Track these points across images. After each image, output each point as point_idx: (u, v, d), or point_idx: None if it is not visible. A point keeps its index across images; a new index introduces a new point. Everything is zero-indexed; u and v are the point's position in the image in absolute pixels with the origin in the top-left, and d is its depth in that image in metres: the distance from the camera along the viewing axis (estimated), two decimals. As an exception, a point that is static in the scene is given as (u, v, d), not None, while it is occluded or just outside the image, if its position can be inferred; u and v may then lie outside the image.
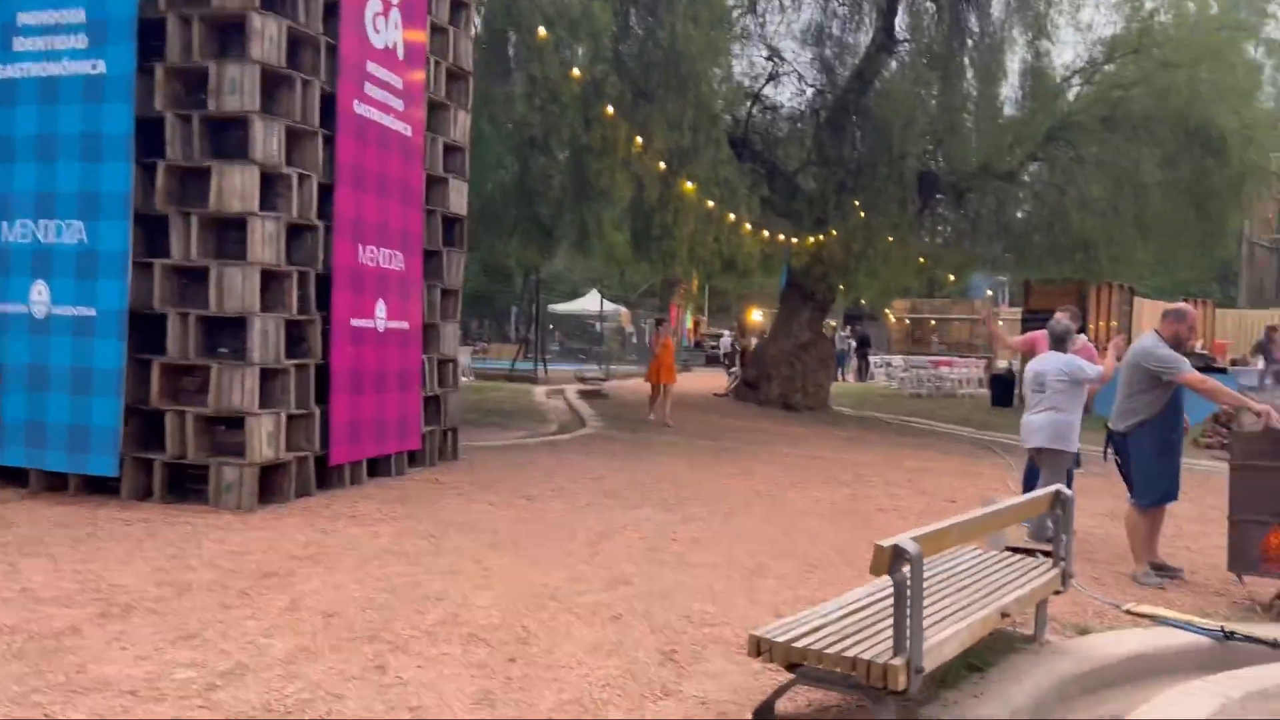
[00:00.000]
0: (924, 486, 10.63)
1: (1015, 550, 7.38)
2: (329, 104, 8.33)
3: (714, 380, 23.81)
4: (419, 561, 6.20)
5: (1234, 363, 18.39)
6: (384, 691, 4.07)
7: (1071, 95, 17.76)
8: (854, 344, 30.06)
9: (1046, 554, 7.29)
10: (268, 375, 7.74)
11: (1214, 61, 16.11)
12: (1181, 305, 7.01)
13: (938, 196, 18.75)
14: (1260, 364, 17.61)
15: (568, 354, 34.45)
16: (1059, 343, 7.57)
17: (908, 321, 31.06)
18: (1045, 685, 4.58)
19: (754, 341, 27.28)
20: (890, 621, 3.90)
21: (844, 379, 27.79)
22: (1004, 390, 21.26)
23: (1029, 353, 8.12)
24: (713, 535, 7.53)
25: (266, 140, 7.68)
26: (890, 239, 17.72)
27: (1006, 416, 19.16)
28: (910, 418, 19.16)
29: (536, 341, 26.22)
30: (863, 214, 17.38)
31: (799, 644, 3.70)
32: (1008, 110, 18.02)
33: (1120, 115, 16.51)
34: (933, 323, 30.82)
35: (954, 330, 30.12)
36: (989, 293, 30.09)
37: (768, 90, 19.32)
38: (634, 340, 36.68)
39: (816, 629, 3.86)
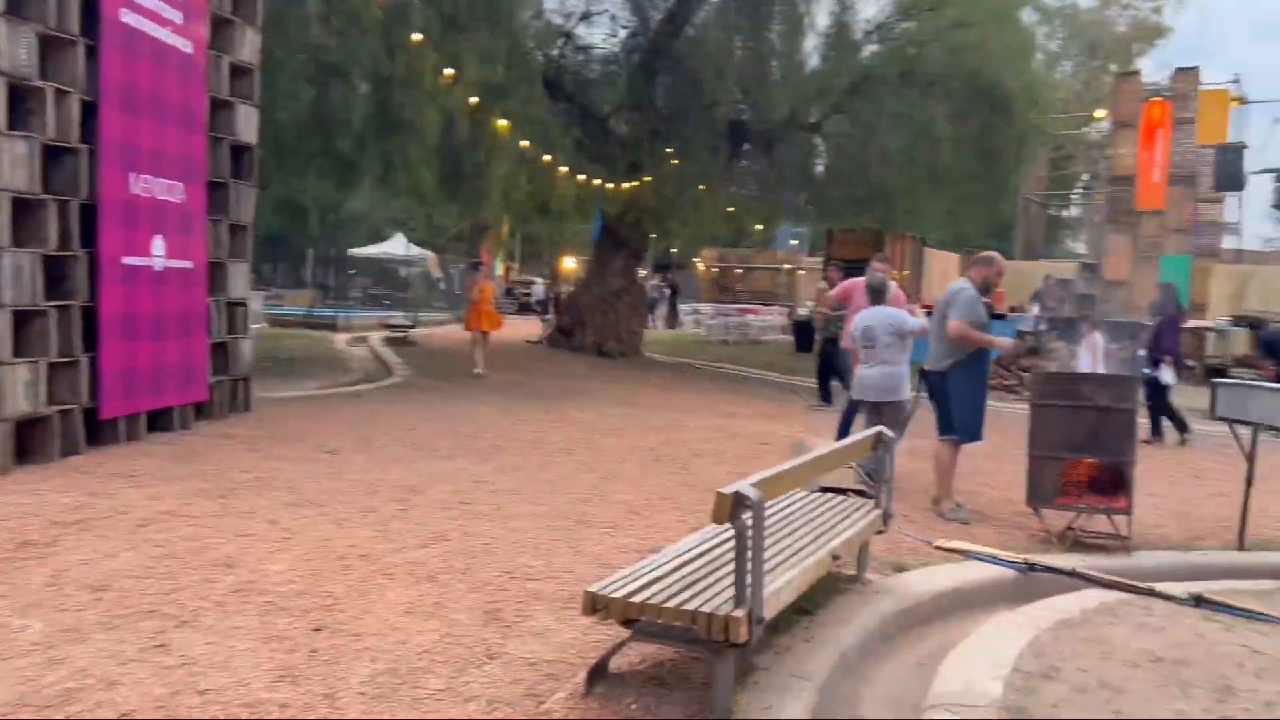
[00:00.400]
0: (737, 430, 10.74)
1: (827, 490, 7.58)
2: (91, 10, 7.30)
3: (527, 328, 23.39)
4: (207, 524, 5.59)
5: (1012, 310, 19.70)
6: (167, 674, 3.56)
7: (872, 50, 18.27)
8: (667, 291, 30.35)
9: (859, 493, 7.52)
10: (23, 318, 6.78)
11: (1001, 23, 16.96)
12: (991, 253, 7.26)
13: (746, 146, 18.97)
14: (1036, 310, 18.97)
15: (371, 300, 33.07)
16: (877, 295, 7.67)
17: (715, 270, 31.62)
18: (871, 625, 4.61)
19: (562, 289, 27.07)
20: (727, 570, 3.75)
21: (654, 326, 28.01)
22: (805, 337, 21.98)
23: (844, 300, 8.25)
24: (531, 485, 7.25)
25: (13, 46, 6.63)
26: (702, 187, 17.80)
27: (809, 361, 19.84)
28: (720, 364, 19.49)
29: (336, 286, 24.92)
30: (675, 161, 17.34)
31: (636, 599, 3.48)
32: (813, 62, 18.38)
33: (917, 71, 17.13)
34: (739, 271, 31.50)
35: (759, 279, 30.92)
36: (793, 241, 31.06)
37: (580, 29, 18.88)
38: (442, 286, 35.64)
39: (652, 582, 3.66)
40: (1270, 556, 6.13)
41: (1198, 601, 4.87)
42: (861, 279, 8.41)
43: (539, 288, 35.62)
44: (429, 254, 35.89)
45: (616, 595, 3.50)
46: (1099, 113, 24.81)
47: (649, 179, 17.60)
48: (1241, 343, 16.18)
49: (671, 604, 3.45)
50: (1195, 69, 23.19)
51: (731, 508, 3.35)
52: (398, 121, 11.98)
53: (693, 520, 6.35)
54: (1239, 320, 16.74)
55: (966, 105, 17.25)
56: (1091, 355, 7.12)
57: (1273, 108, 27.44)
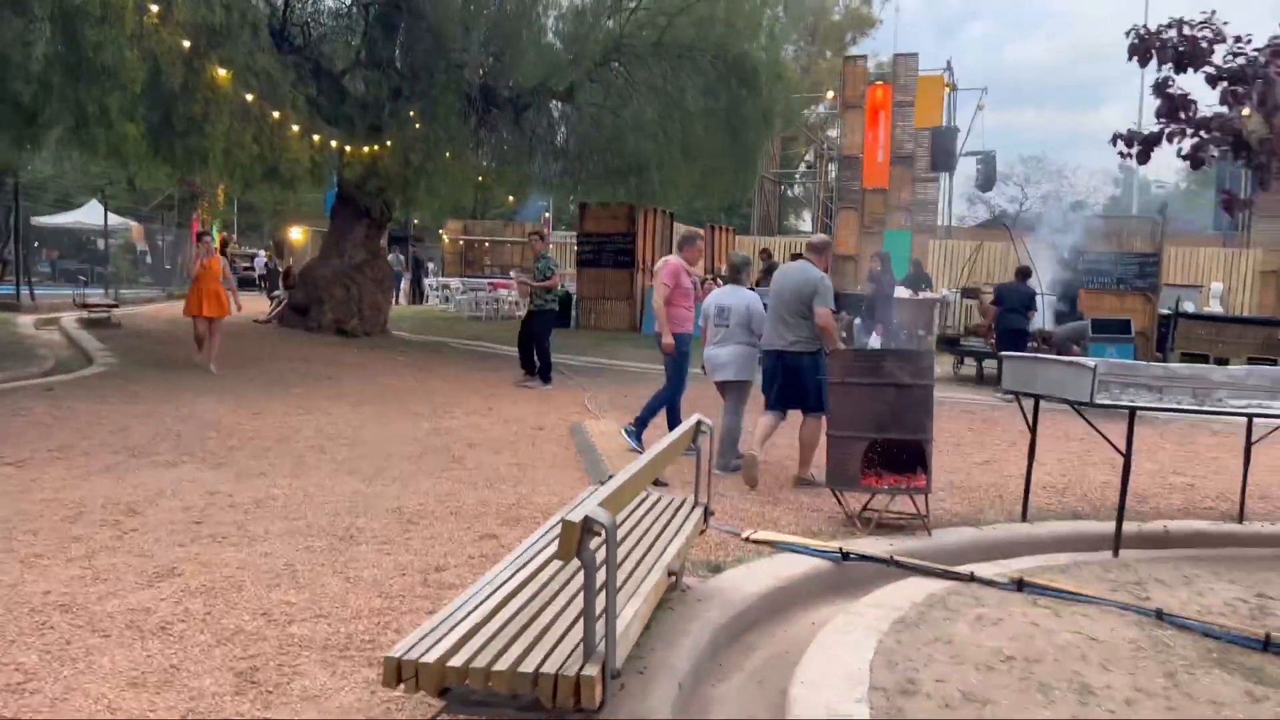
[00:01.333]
0: (506, 414, 9.99)
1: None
2: None
3: (252, 305, 21.24)
4: None
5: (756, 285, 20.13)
6: None
7: (624, 18, 17.88)
8: (410, 265, 28.77)
9: (656, 483, 7.04)
10: None
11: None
12: (826, 237, 7.15)
13: (496, 111, 18.04)
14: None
15: (63, 276, 29.10)
16: (736, 273, 7.59)
17: (461, 243, 30.41)
18: (702, 643, 4.07)
19: (293, 262, 24.94)
20: (560, 607, 3.06)
21: (397, 302, 26.48)
22: (562, 311, 21.48)
23: (676, 285, 7.74)
24: (281, 495, 6.17)
25: None
26: (449, 154, 16.71)
27: (566, 337, 19.35)
28: (474, 341, 18.54)
29: (18, 260, 21.57)
30: (419, 125, 16.13)
31: (456, 661, 2.72)
32: (565, 27, 17.72)
33: (668, 42, 16.92)
34: (486, 244, 30.48)
35: (506, 252, 30.05)
36: (546, 215, 30.41)
37: (308, -25, 17.11)
38: (149, 260, 31.99)
39: (471, 634, 2.90)
40: (1055, 526, 6.23)
41: (1019, 586, 4.73)
42: (677, 260, 7.99)
43: (261, 260, 32.82)
44: (132, 223, 32.06)
45: (429, 659, 2.71)
46: (830, 94, 25.98)
47: (391, 143, 16.28)
48: (971, 313, 17.40)
49: (503, 665, 2.71)
50: (914, 55, 24.69)
51: (580, 538, 2.66)
52: (92, 65, 10.10)
53: (478, 527, 5.58)
54: (968, 292, 17.97)
55: (715, 78, 17.27)
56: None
57: (975, 95, 29.82)
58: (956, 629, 4.19)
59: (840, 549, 5.26)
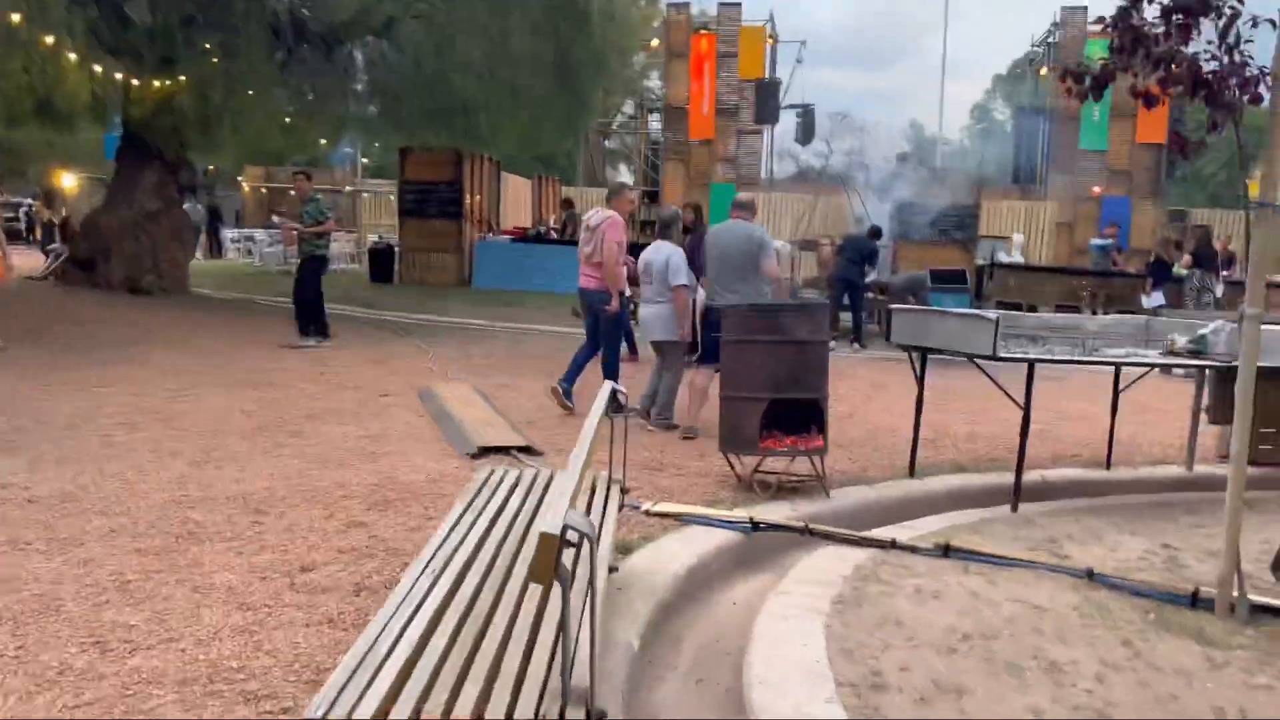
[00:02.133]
0: (342, 379, 9.08)
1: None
2: None
3: (23, 260, 18.82)
4: None
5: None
6: None
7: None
8: (206, 215, 26.36)
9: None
10: None
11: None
12: (751, 195, 6.79)
13: (306, 47, 16.53)
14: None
15: None
16: (666, 228, 7.46)
17: (264, 190, 28.16)
18: (634, 642, 3.59)
19: (69, 213, 22.38)
20: (504, 625, 2.50)
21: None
22: (384, 265, 20.27)
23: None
24: (91, 484, 5.20)
25: None
26: (252, 92, 15.17)
27: (391, 294, 18.23)
28: (284, 299, 17.11)
29: None
30: (218, 59, 14.52)
31: (400, 715, 2.11)
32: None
33: (494, -22, 15.96)
34: (291, 193, 28.34)
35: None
36: (364, 160, 28.57)
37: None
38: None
39: (404, 675, 2.28)
40: (945, 481, 6.12)
41: (945, 551, 4.50)
42: (607, 213, 7.50)
43: (26, 211, 29.37)
44: None
45: (365, 718, 2.09)
46: (654, 41, 25.57)
47: (186, 79, 14.59)
48: (809, 265, 17.55)
49: (464, 715, 2.12)
50: (738, 4, 24.60)
51: (558, 556, 2.10)
52: None
53: (341, 514, 4.87)
54: (805, 244, 18.11)
55: (544, 18, 16.46)
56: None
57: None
58: (900, 606, 3.89)
59: (751, 519, 4.90)
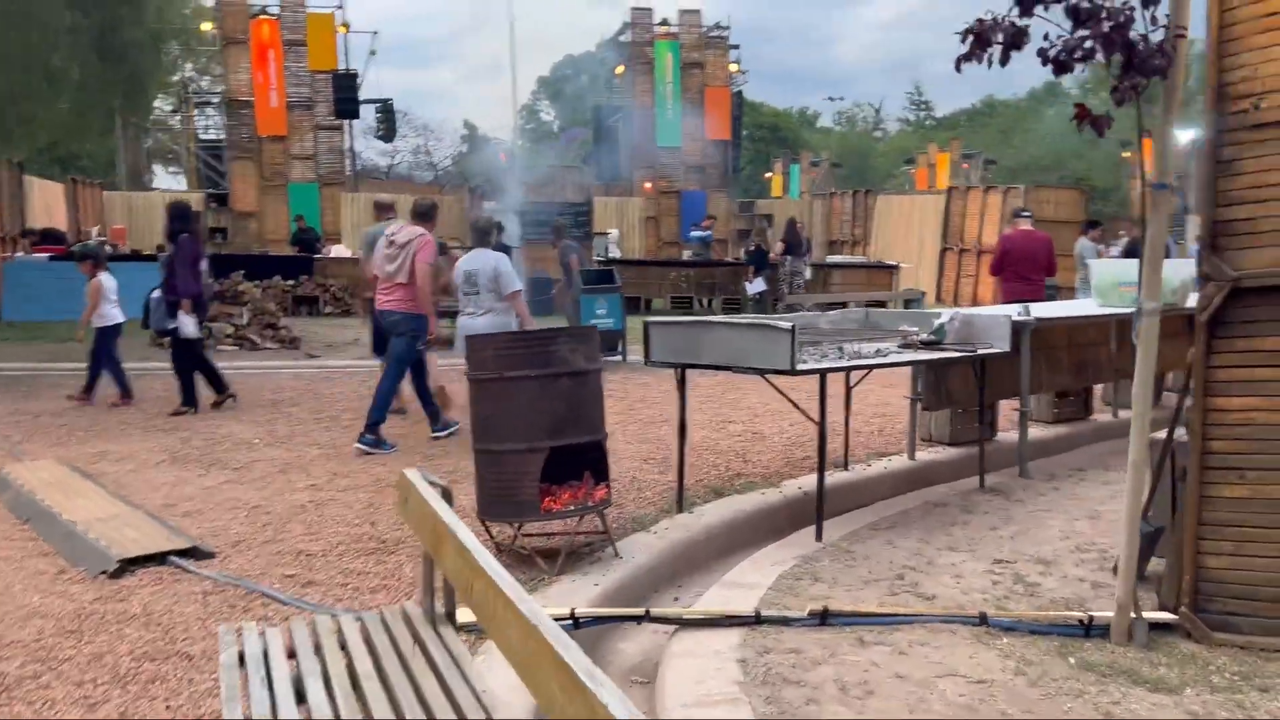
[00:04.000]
0: None
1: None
2: None
3: None
4: None
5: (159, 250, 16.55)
6: None
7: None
8: None
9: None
10: None
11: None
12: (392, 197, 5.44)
13: None
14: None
15: None
16: (484, 236, 7.17)
17: None
18: None
19: None
20: None
21: None
22: None
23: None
24: None
25: None
26: None
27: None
28: None
29: None
30: None
31: None
32: None
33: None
34: None
35: None
36: None
37: None
38: None
39: None
40: (718, 512, 5.39)
41: (823, 619, 3.72)
42: (416, 231, 7.01)
43: None
44: None
45: None
46: (205, 25, 22.29)
47: None
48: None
49: None
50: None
51: None
52: None
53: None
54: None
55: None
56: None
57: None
58: (834, 712, 3.03)
59: (572, 613, 3.76)
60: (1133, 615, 3.60)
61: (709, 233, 19.57)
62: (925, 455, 6.84)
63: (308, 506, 5.59)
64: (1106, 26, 2.92)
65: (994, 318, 6.04)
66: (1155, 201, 3.29)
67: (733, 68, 26.09)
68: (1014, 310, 6.48)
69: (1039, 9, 3.00)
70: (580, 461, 4.57)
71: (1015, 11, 3.07)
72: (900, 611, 3.76)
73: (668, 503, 5.55)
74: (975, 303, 19.63)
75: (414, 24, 79.69)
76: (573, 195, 16.90)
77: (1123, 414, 8.26)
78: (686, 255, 20.14)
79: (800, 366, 4.67)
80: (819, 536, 4.89)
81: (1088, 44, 2.96)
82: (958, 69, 3.25)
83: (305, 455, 6.88)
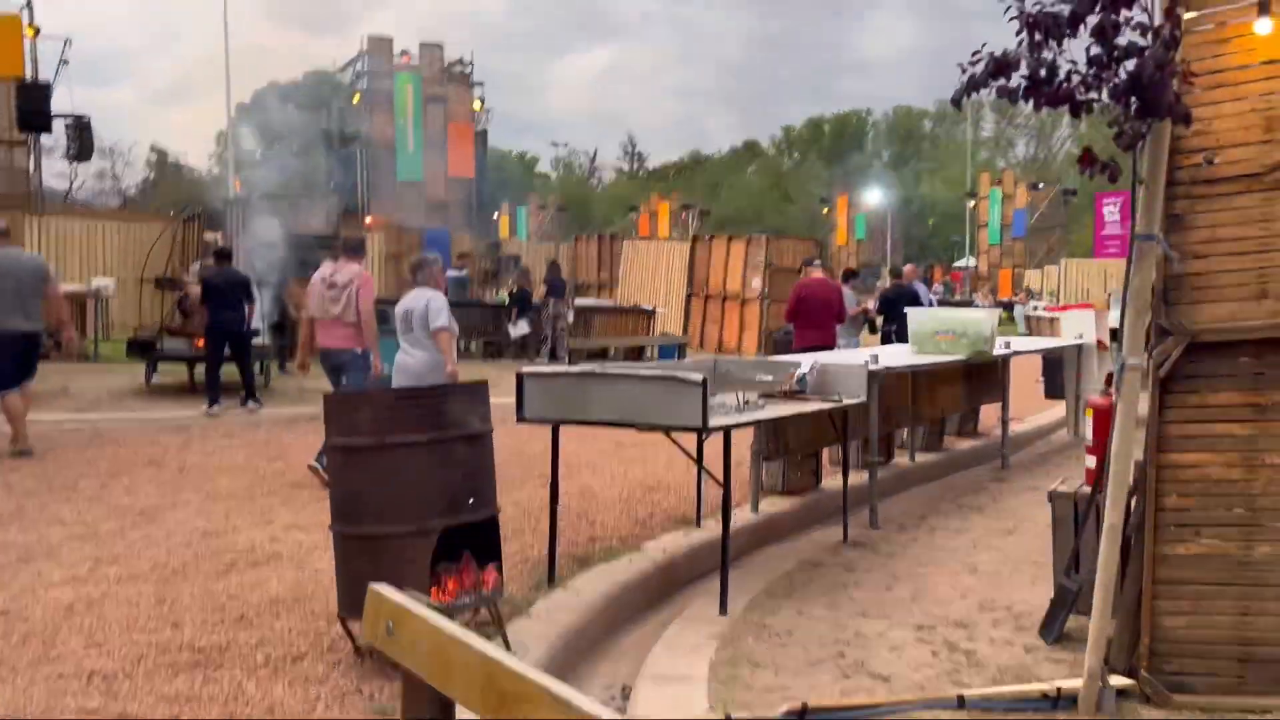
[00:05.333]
0: None
1: None
2: None
3: None
4: None
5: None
6: None
7: None
8: None
9: None
10: None
11: None
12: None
13: None
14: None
15: None
16: (417, 272, 6.79)
17: None
18: None
19: None
20: None
21: None
22: None
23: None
24: None
25: None
26: None
27: None
28: None
29: None
30: None
31: None
32: None
33: None
34: None
35: None
36: None
37: None
38: None
39: None
40: (592, 585, 4.77)
41: (802, 717, 3.25)
42: (355, 269, 7.17)
43: None
44: None
45: None
46: None
47: None
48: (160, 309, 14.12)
49: None
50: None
51: None
52: None
53: None
54: (165, 283, 14.53)
55: None
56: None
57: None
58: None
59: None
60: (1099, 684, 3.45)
61: (464, 272, 18.80)
62: (765, 507, 6.61)
63: (77, 608, 4.40)
64: (1124, 69, 2.77)
65: (848, 368, 5.96)
66: (1141, 252, 3.18)
67: (476, 105, 25.56)
68: (861, 360, 6.43)
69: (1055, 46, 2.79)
70: (464, 540, 3.84)
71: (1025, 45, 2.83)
72: (881, 702, 3.38)
73: (535, 577, 4.88)
74: (722, 348, 20.24)
75: (99, 35, 72.46)
76: (320, 228, 15.56)
77: (919, 458, 8.58)
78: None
79: (712, 423, 4.23)
80: (724, 609, 4.44)
81: (1107, 83, 2.79)
82: (956, 105, 2.98)
83: (48, 537, 5.52)
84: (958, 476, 8.18)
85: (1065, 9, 2.83)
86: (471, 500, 3.70)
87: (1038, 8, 2.91)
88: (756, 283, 19.67)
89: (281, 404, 10.92)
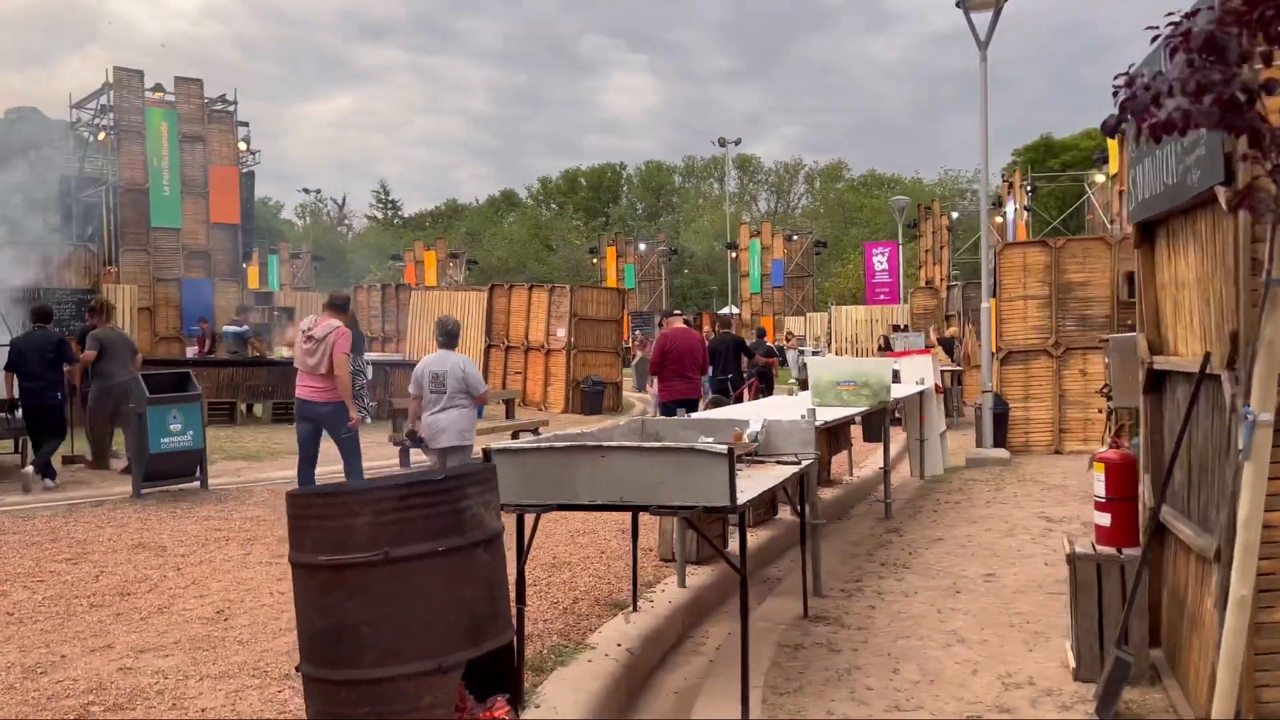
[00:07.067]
0: None
1: None
2: None
3: None
4: None
5: None
6: None
7: None
8: None
9: None
10: None
11: None
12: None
13: None
14: None
15: None
16: (451, 339, 7.06)
17: None
18: None
19: None
20: None
21: None
22: None
23: None
24: None
25: None
26: None
27: None
28: None
29: None
30: None
31: None
32: None
33: None
34: None
35: None
36: None
37: None
38: None
39: None
40: (562, 698, 3.98)
41: None
42: (333, 324, 7.30)
43: None
44: None
45: None
46: None
47: None
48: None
49: None
50: None
51: None
52: None
53: None
54: None
55: None
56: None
57: None
58: None
59: None
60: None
61: (246, 328, 16.92)
62: (691, 579, 6.02)
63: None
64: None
65: (794, 424, 5.52)
66: (1275, 299, 2.91)
67: (241, 146, 23.56)
68: (799, 415, 5.99)
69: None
70: (470, 670, 2.98)
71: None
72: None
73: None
74: (525, 400, 19.46)
75: None
76: (77, 279, 13.43)
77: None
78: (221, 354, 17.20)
79: (743, 499, 3.61)
80: (745, 716, 3.79)
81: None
82: (1110, 133, 2.58)
83: None
84: (846, 528, 7.94)
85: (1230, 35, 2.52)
86: (494, 622, 2.86)
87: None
88: (561, 333, 19.12)
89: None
